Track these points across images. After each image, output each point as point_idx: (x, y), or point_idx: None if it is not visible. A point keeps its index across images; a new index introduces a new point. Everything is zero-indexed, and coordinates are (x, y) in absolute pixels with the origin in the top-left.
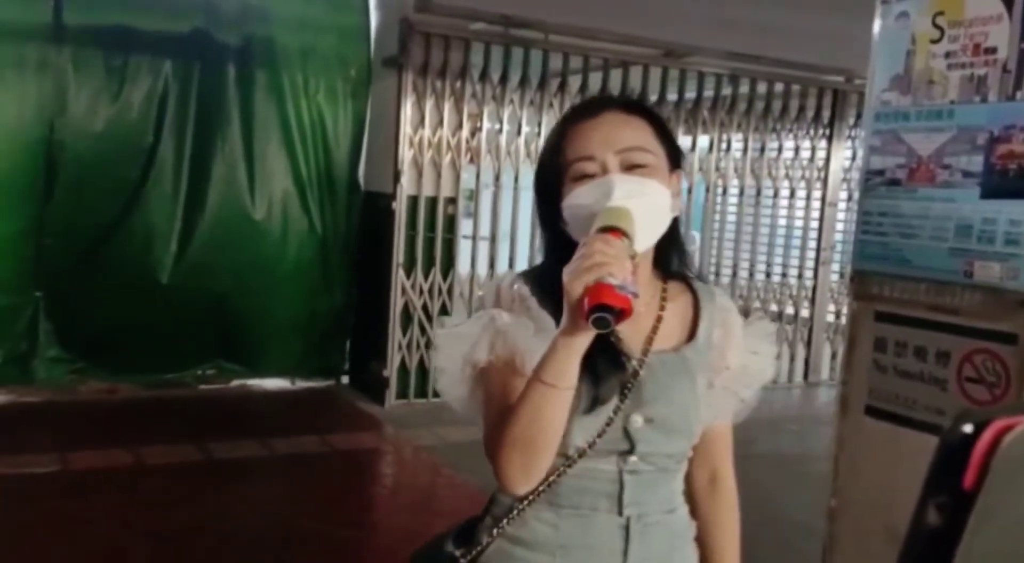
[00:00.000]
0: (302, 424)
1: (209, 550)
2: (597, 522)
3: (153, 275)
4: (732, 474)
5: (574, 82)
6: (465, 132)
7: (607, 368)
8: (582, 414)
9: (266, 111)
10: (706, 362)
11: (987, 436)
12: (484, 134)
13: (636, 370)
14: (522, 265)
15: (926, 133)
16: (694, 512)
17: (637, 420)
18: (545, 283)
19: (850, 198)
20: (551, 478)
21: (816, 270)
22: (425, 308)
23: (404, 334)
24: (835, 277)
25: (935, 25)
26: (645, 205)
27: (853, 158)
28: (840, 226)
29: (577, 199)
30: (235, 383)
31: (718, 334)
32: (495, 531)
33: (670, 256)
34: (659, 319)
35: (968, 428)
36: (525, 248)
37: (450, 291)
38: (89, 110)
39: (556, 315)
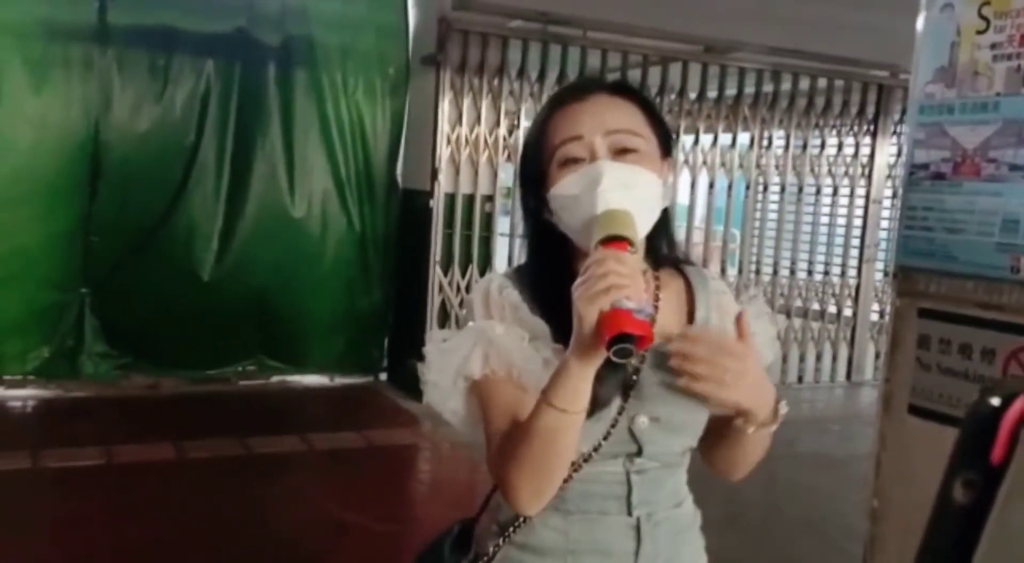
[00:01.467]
0: (341, 420)
1: (250, 542)
2: (607, 525)
3: (195, 272)
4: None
5: (612, 79)
6: (502, 130)
7: (606, 368)
8: (586, 418)
9: (306, 110)
10: None
11: (1016, 408)
12: (521, 132)
13: (636, 368)
14: None
15: (971, 126)
16: (718, 457)
17: (643, 421)
18: (535, 285)
19: (895, 195)
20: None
21: (860, 268)
22: (462, 306)
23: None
24: (879, 275)
25: (981, 16)
26: (636, 197)
27: (898, 154)
28: (885, 223)
29: (564, 189)
30: (275, 379)
31: (715, 318)
32: (502, 539)
33: (660, 244)
34: (653, 318)
35: (996, 401)
36: None
37: None
38: (133, 110)
39: (549, 319)
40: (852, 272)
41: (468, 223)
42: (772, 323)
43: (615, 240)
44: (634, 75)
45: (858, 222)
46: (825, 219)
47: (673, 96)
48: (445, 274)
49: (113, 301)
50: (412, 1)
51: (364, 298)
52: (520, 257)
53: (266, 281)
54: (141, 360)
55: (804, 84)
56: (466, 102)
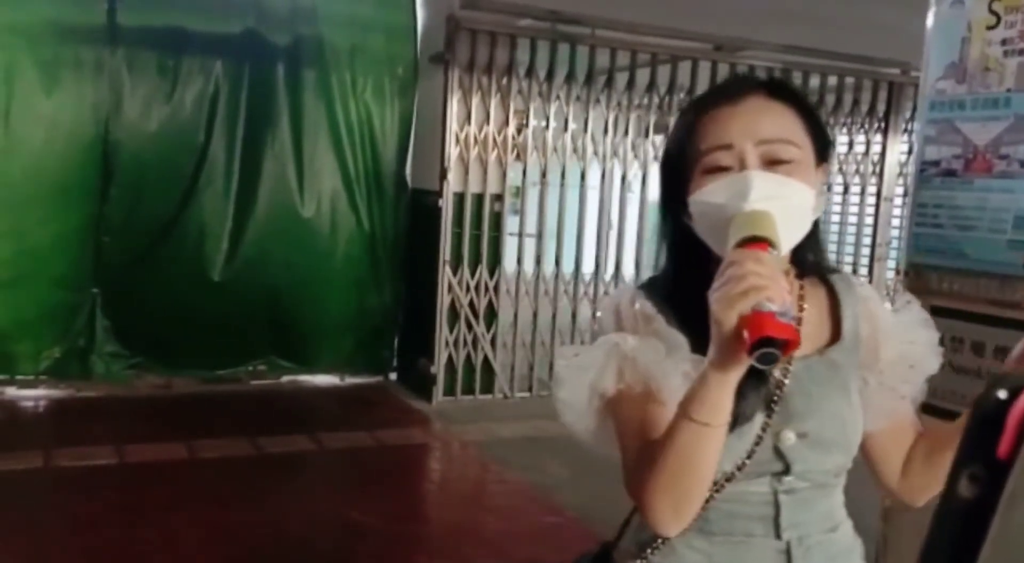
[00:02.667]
0: (351, 420)
1: (262, 541)
2: (753, 548)
3: (205, 272)
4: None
5: (621, 78)
6: (511, 129)
7: (748, 381)
8: (726, 434)
9: (315, 110)
10: (856, 362)
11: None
12: (530, 131)
13: (781, 381)
14: (569, 262)
15: (982, 122)
16: (911, 481)
17: (789, 437)
18: (671, 294)
19: (906, 193)
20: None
21: (871, 266)
22: (472, 305)
23: (451, 331)
24: (891, 273)
25: (991, 11)
26: (786, 208)
27: (910, 152)
28: (896, 222)
29: (708, 196)
30: (286, 379)
31: (866, 329)
32: (640, 561)
33: (806, 254)
34: (799, 321)
35: (1003, 393)
36: (572, 245)
37: (496, 288)
38: (143, 110)
39: (686, 331)
40: (864, 270)
41: (477, 222)
42: (932, 329)
43: (755, 241)
44: (643, 74)
45: (869, 220)
46: (836, 217)
47: (682, 95)
48: (454, 274)
49: (124, 301)
50: (420, 0)
51: (374, 298)
52: (540, 257)
53: (276, 281)
54: (152, 360)
55: (815, 82)
56: (475, 101)
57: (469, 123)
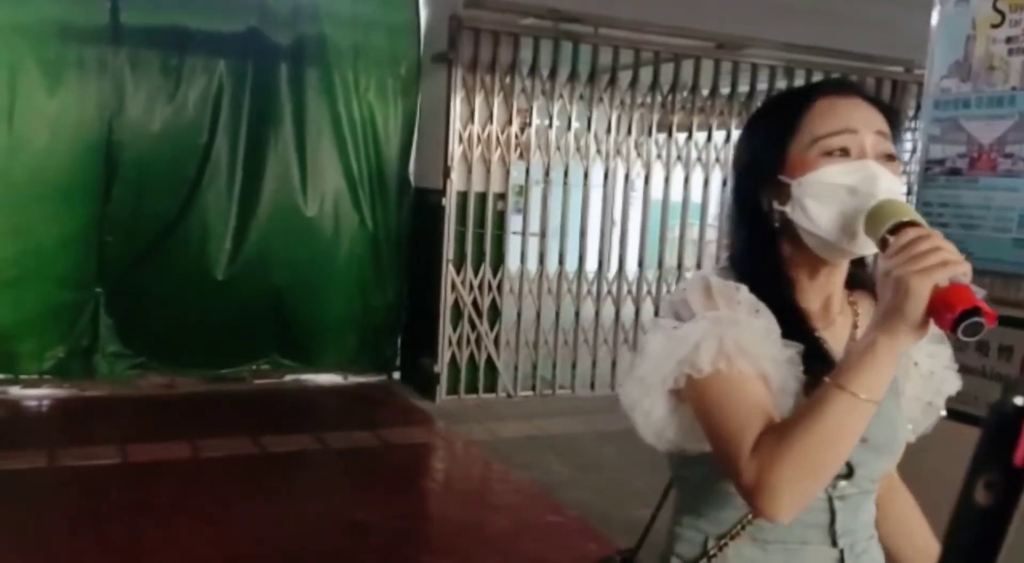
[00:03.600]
0: (355, 419)
1: (265, 540)
2: (808, 556)
3: (209, 272)
4: (899, 479)
5: (624, 76)
6: (514, 128)
7: (809, 385)
8: None
9: (318, 109)
10: (902, 370)
11: None
12: (533, 129)
13: None
14: (572, 261)
15: (987, 120)
16: (883, 519)
17: None
18: (759, 282)
19: (910, 191)
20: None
21: (874, 264)
22: (475, 304)
23: (454, 330)
24: None
25: (996, 9)
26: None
27: (913, 151)
28: None
29: (831, 176)
30: (289, 378)
31: None
32: None
33: (858, 264)
34: (855, 326)
35: (1019, 400)
36: (575, 244)
37: (499, 287)
38: (146, 110)
39: (780, 321)
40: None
41: (480, 221)
42: (948, 346)
43: (911, 225)
44: (646, 72)
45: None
46: None
47: (685, 93)
48: (458, 273)
49: (128, 301)
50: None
51: (377, 297)
52: (544, 256)
53: (279, 280)
54: (155, 359)
55: (817, 80)
56: (478, 100)
57: (472, 122)
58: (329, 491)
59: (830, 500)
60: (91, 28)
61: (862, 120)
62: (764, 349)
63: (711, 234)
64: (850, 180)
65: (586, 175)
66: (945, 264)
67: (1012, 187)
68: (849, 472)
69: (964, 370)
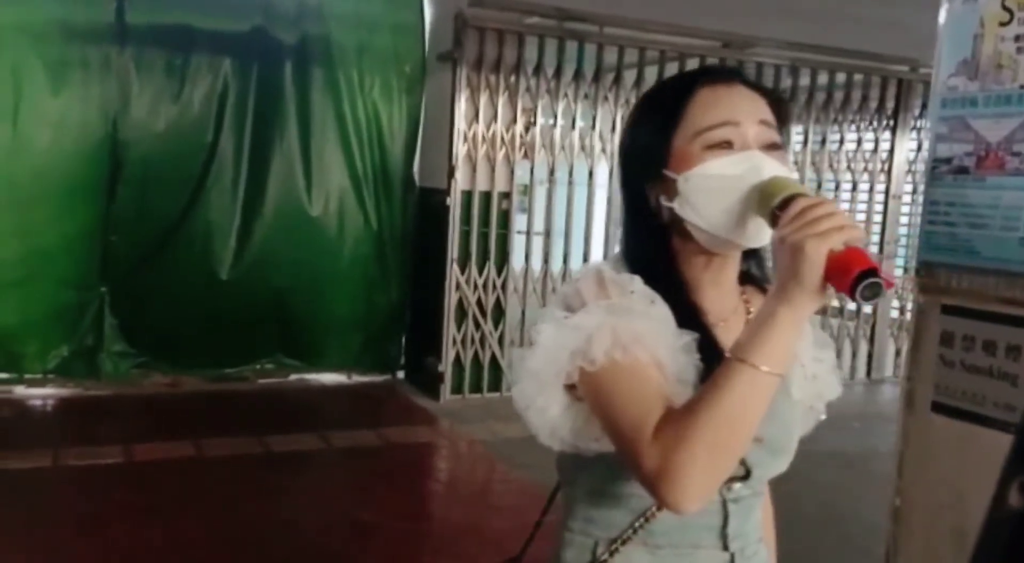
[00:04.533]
0: (359, 418)
1: (270, 539)
2: (699, 560)
3: (213, 271)
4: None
5: (629, 75)
6: (519, 127)
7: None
8: None
9: (322, 108)
10: (792, 370)
11: None
12: (538, 129)
13: None
14: (577, 260)
15: (995, 119)
16: None
17: None
18: (651, 274)
19: (915, 191)
20: (647, 513)
21: (879, 264)
22: (479, 303)
23: (459, 329)
24: (899, 272)
25: (1004, 7)
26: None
27: (918, 149)
28: (905, 219)
29: (717, 169)
30: (293, 377)
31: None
32: None
33: (750, 259)
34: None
35: None
36: (579, 243)
37: (504, 286)
38: (151, 109)
39: (672, 309)
40: None
41: (485, 221)
42: (831, 352)
43: (803, 197)
44: (651, 71)
45: (877, 218)
46: None
47: None
48: (462, 272)
49: (132, 300)
50: None
51: (381, 296)
52: (548, 255)
53: (284, 279)
54: (160, 359)
55: (823, 79)
56: (483, 99)
57: (477, 121)
58: (333, 491)
59: (724, 503)
60: (96, 27)
61: (745, 110)
62: (659, 338)
63: None
64: (735, 173)
65: (591, 174)
66: (840, 228)
67: (1020, 186)
68: (746, 474)
69: (972, 370)
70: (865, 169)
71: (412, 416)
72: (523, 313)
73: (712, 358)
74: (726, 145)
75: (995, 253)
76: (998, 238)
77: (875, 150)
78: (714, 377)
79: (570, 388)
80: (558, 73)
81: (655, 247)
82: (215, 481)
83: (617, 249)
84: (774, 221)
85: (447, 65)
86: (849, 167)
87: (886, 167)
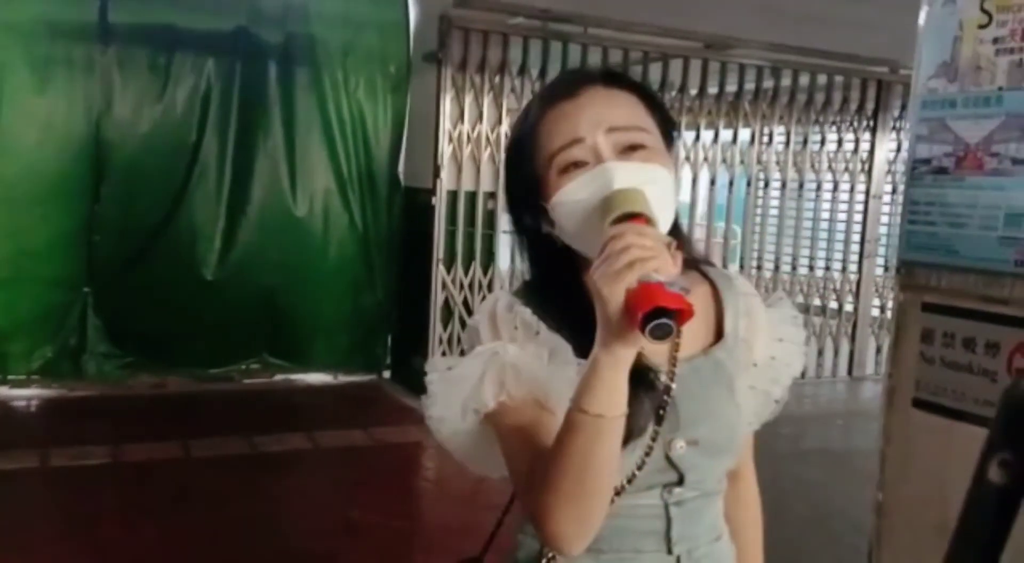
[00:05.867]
0: (346, 418)
1: (258, 540)
2: None
3: (198, 272)
4: (753, 473)
5: None
6: (504, 127)
7: (635, 389)
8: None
9: (307, 108)
10: (739, 360)
11: None
12: None
13: (668, 386)
14: None
15: (974, 120)
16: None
17: (680, 445)
18: (545, 300)
19: (895, 191)
20: None
21: (860, 263)
22: (466, 303)
23: (445, 329)
24: (880, 270)
25: (983, 10)
26: (651, 193)
27: (898, 150)
28: (885, 219)
29: (570, 195)
30: (279, 378)
31: (744, 324)
32: None
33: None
34: (687, 292)
35: None
36: None
37: (490, 286)
38: (135, 109)
39: (570, 337)
40: (852, 267)
41: (471, 220)
42: (800, 327)
43: (631, 218)
44: (635, 71)
45: (858, 218)
46: (825, 215)
47: (674, 93)
48: (448, 272)
49: (116, 301)
50: None
51: (367, 296)
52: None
53: (269, 280)
54: (145, 360)
55: (804, 80)
56: (468, 99)
57: (462, 121)
58: (321, 490)
59: (666, 507)
60: (79, 27)
61: (589, 122)
62: (542, 373)
63: (699, 233)
64: (588, 192)
65: None
66: (632, 264)
67: (998, 186)
68: (680, 479)
69: (952, 366)
70: (846, 169)
71: (399, 416)
72: None
73: None
74: (579, 165)
75: (974, 252)
76: (977, 237)
77: (855, 151)
78: (560, 428)
79: (483, 423)
80: (543, 74)
81: (549, 272)
82: (202, 481)
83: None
84: None
85: (432, 65)
86: (830, 167)
87: (866, 167)
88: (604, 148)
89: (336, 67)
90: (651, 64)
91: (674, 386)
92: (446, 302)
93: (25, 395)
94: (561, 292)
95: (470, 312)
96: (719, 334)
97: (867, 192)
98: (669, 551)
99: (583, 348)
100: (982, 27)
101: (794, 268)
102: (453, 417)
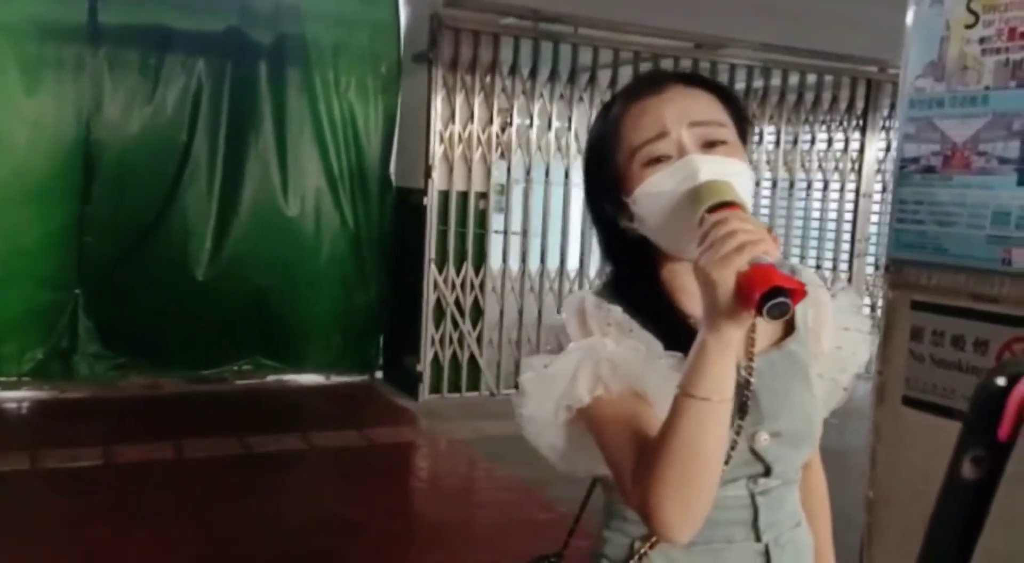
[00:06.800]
0: (338, 418)
1: (252, 540)
2: (734, 553)
3: (189, 272)
4: (820, 461)
5: (604, 76)
6: (495, 127)
7: None
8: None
9: (298, 108)
10: (810, 351)
11: (1022, 388)
12: (514, 129)
13: (747, 380)
14: (554, 259)
15: (961, 119)
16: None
17: (763, 437)
18: (632, 296)
19: (885, 189)
20: None
21: (851, 262)
22: (457, 303)
23: (437, 329)
24: (870, 269)
25: (970, 10)
26: (737, 185)
27: (888, 149)
28: (875, 218)
29: (655, 186)
30: (271, 378)
31: (811, 315)
32: None
33: None
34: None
35: (1002, 380)
36: (557, 242)
37: (482, 286)
38: (125, 109)
39: (656, 332)
40: (843, 266)
41: (462, 220)
42: (864, 317)
43: (725, 206)
44: (625, 72)
45: (848, 216)
46: (816, 214)
47: None
48: (440, 272)
49: (108, 301)
50: None
51: (359, 296)
52: (526, 255)
53: (261, 280)
54: (137, 361)
55: (794, 80)
56: (459, 99)
57: (453, 121)
58: (314, 490)
59: (752, 496)
60: (69, 27)
61: (673, 117)
62: (637, 368)
63: None
64: (673, 184)
65: (567, 174)
66: (741, 248)
67: (986, 185)
68: (766, 470)
69: (941, 364)
70: (836, 168)
71: (391, 416)
72: (501, 312)
73: None
74: (662, 159)
75: (962, 250)
76: (965, 236)
77: (845, 150)
78: (669, 414)
79: (573, 420)
80: (533, 73)
81: (631, 267)
82: (195, 483)
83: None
84: None
85: (423, 65)
86: (820, 167)
87: (856, 166)
88: (687, 142)
89: (327, 67)
90: (641, 64)
91: (753, 381)
92: (438, 302)
93: (16, 397)
94: (646, 289)
95: (462, 312)
96: (788, 327)
97: (857, 191)
98: (758, 539)
99: (669, 342)
100: (969, 27)
101: None
102: (545, 415)
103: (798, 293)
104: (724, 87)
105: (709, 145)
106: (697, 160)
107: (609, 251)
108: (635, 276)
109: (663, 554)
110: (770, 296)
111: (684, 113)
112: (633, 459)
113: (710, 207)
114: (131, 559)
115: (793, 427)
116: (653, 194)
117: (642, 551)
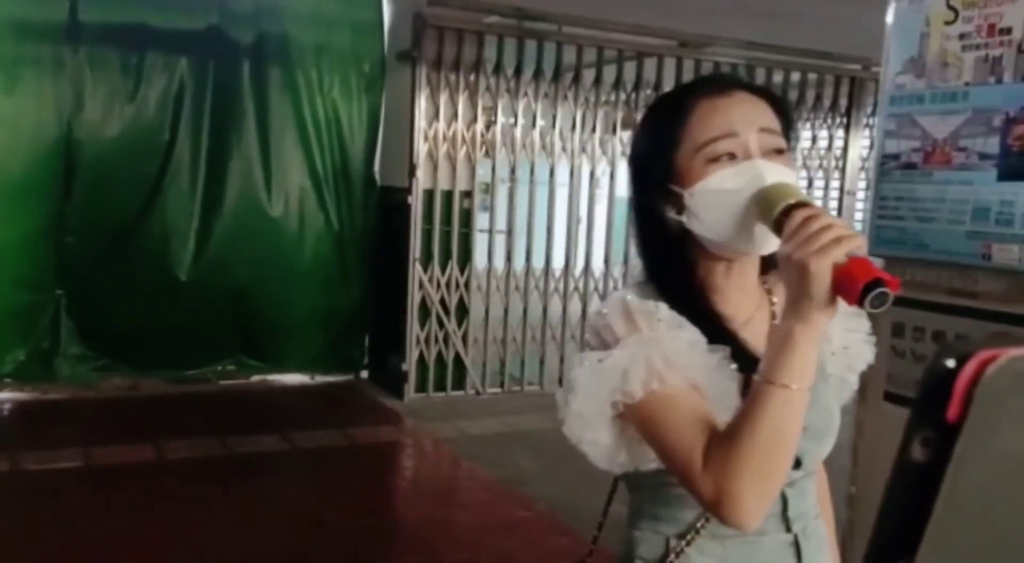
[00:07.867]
0: (322, 418)
1: (233, 541)
2: (765, 545)
3: (172, 272)
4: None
5: (588, 74)
6: (480, 126)
7: (748, 379)
8: None
9: (281, 108)
10: (824, 350)
11: (970, 368)
12: (499, 127)
13: None
14: (539, 258)
15: (941, 116)
16: None
17: None
18: (677, 291)
19: (869, 187)
20: None
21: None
22: (442, 302)
23: (422, 328)
24: None
25: (949, 7)
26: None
27: (871, 146)
28: (860, 215)
29: (718, 183)
30: (255, 378)
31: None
32: None
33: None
34: (773, 316)
35: (951, 362)
36: (541, 241)
37: (467, 285)
38: (106, 109)
39: (702, 329)
40: None
41: (447, 219)
42: (864, 318)
43: (801, 206)
44: (609, 70)
45: (833, 214)
46: None
47: (648, 91)
48: (425, 271)
49: (89, 302)
50: None
51: (343, 296)
52: (511, 253)
53: (244, 280)
54: (119, 361)
55: (778, 78)
56: (443, 98)
57: (437, 120)
58: (297, 491)
59: (782, 489)
60: (49, 26)
61: (743, 119)
62: (692, 360)
63: None
64: (738, 184)
65: (552, 173)
66: (839, 240)
67: (966, 180)
68: (797, 464)
69: (922, 359)
70: (820, 166)
71: (376, 415)
72: (486, 311)
73: (747, 366)
74: (728, 157)
75: (943, 246)
76: (945, 231)
77: (829, 147)
78: (748, 401)
79: (619, 416)
80: (518, 72)
81: (672, 264)
82: (177, 484)
83: (639, 270)
84: (778, 229)
85: (407, 64)
86: (804, 164)
87: (840, 164)
88: (754, 146)
89: (310, 66)
90: (625, 62)
91: None
92: (423, 301)
93: None
94: (686, 287)
95: (447, 311)
96: None
97: (841, 189)
98: (788, 530)
99: (716, 338)
100: (948, 23)
101: None
102: (593, 411)
103: (893, 285)
104: (782, 99)
105: (772, 152)
106: (763, 165)
107: (653, 245)
108: (674, 272)
109: (699, 550)
110: (871, 287)
111: (753, 118)
112: (701, 448)
113: (790, 205)
114: (108, 560)
115: (817, 422)
116: (715, 191)
117: (678, 548)
